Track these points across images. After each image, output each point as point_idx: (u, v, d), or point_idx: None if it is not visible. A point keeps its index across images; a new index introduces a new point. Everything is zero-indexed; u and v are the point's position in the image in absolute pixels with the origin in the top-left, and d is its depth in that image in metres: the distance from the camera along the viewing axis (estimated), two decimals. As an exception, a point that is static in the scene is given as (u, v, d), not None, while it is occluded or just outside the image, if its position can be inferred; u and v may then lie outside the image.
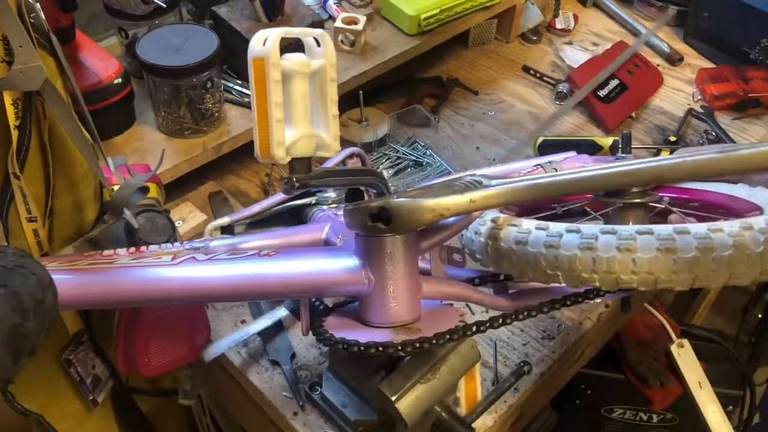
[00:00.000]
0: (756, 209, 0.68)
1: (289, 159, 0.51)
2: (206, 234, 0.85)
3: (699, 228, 0.57)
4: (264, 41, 0.48)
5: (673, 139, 1.22)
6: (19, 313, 0.46)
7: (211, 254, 0.62)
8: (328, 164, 0.94)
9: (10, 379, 0.46)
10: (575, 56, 1.42)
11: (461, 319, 0.62)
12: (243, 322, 0.91)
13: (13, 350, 0.45)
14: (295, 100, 0.51)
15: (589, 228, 0.58)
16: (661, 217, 0.80)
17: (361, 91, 1.17)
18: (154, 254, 0.64)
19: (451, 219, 0.61)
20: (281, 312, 0.89)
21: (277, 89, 0.49)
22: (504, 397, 0.83)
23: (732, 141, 1.23)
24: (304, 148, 0.51)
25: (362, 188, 0.63)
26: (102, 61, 0.98)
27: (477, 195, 0.55)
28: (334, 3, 1.24)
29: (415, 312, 0.62)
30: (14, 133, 0.62)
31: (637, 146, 1.20)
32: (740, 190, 0.74)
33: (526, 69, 1.38)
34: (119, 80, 0.98)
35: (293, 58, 0.50)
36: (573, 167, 0.83)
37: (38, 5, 0.67)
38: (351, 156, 0.93)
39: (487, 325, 0.62)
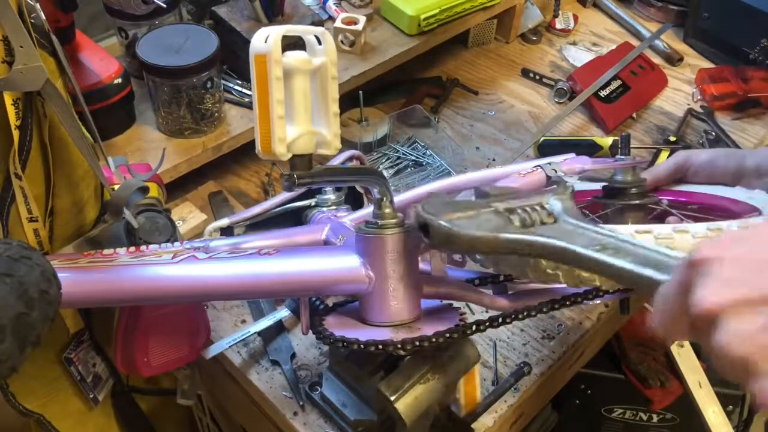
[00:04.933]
0: (754, 211, 0.68)
1: (290, 156, 0.51)
2: (206, 235, 0.85)
3: (698, 228, 0.57)
4: (266, 39, 0.48)
5: (672, 139, 1.22)
6: (24, 302, 0.46)
7: (212, 253, 0.62)
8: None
9: (15, 367, 0.47)
10: (579, 56, 1.42)
11: (461, 319, 0.63)
12: (243, 322, 0.91)
13: (19, 338, 0.46)
14: (296, 98, 0.51)
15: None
16: (660, 219, 0.80)
17: (361, 91, 1.17)
18: (154, 253, 0.64)
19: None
20: (281, 312, 0.89)
21: (278, 86, 0.49)
22: (504, 397, 0.83)
23: (732, 141, 1.23)
24: (304, 145, 0.51)
25: (361, 189, 0.63)
26: (102, 61, 0.98)
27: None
28: (334, 3, 1.24)
29: (415, 311, 0.62)
30: (15, 134, 0.63)
31: (637, 146, 1.20)
32: (738, 193, 0.74)
33: (525, 72, 1.38)
34: (119, 80, 0.98)
35: (295, 56, 0.50)
36: (573, 169, 0.83)
37: (38, 5, 0.67)
38: (350, 158, 0.93)
39: (487, 324, 0.62)
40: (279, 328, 0.89)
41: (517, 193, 0.57)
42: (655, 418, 1.31)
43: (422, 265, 0.65)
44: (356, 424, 0.73)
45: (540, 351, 0.89)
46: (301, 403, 0.81)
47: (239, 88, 1.11)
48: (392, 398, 0.61)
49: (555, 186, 0.57)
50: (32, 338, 0.48)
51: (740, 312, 0.36)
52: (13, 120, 0.62)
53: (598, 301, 0.93)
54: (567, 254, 0.49)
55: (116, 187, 0.74)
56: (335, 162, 0.91)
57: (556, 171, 0.79)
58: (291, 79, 0.50)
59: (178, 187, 1.06)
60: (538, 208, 0.54)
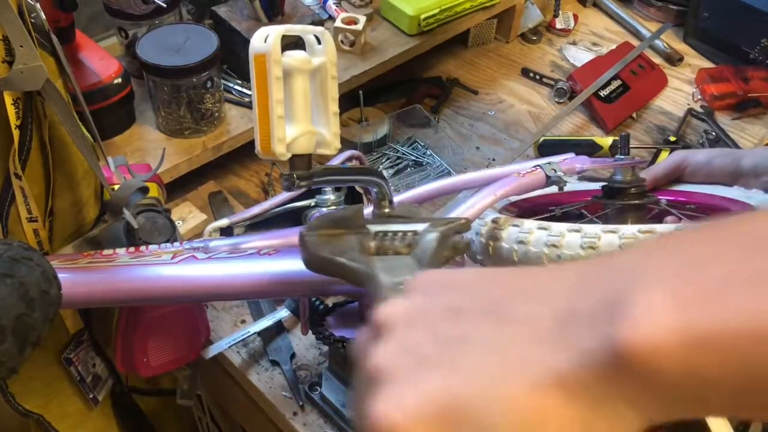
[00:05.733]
0: (753, 210, 0.68)
1: (289, 155, 0.51)
2: (205, 235, 0.85)
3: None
4: (265, 38, 0.48)
5: (672, 139, 1.22)
6: (25, 303, 0.47)
7: (211, 253, 0.62)
8: (328, 164, 0.94)
9: (15, 368, 0.47)
10: (579, 56, 1.42)
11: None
12: (243, 322, 0.91)
13: (19, 339, 0.46)
14: (296, 97, 0.51)
15: (591, 228, 0.58)
16: (659, 219, 0.80)
17: (361, 91, 1.17)
18: (154, 253, 0.64)
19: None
20: (281, 312, 0.89)
21: (278, 86, 0.49)
22: (504, 397, 0.83)
23: (732, 141, 1.23)
24: (304, 145, 0.51)
25: (361, 189, 0.63)
26: (102, 61, 0.98)
27: None
28: (334, 3, 1.24)
29: (416, 311, 0.62)
30: (15, 133, 0.62)
31: (637, 146, 1.20)
32: (736, 193, 0.74)
33: (525, 72, 1.38)
34: (119, 80, 0.98)
35: (294, 56, 0.50)
36: (572, 168, 0.83)
37: (38, 5, 0.67)
38: (350, 158, 0.93)
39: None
40: (279, 328, 0.89)
41: (412, 219, 0.53)
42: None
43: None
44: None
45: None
46: (300, 403, 0.81)
47: (239, 88, 1.11)
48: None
49: (454, 220, 0.52)
50: (32, 339, 0.48)
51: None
52: (13, 120, 0.62)
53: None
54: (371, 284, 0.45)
55: (116, 187, 0.74)
56: (335, 162, 0.91)
57: (555, 171, 0.79)
58: (291, 79, 0.50)
59: (178, 187, 1.06)
60: (408, 235, 0.50)
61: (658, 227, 0.58)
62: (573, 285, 0.28)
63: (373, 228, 0.51)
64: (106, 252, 0.66)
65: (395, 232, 0.50)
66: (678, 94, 1.35)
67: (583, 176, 0.85)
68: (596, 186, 0.85)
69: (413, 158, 1.16)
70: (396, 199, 0.71)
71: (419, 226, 0.50)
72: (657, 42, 1.43)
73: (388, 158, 1.16)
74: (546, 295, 0.28)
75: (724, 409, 0.25)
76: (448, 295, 0.31)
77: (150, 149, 1.02)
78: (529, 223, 0.62)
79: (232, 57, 1.10)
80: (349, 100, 1.19)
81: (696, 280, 0.24)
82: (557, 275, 0.29)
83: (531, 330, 0.27)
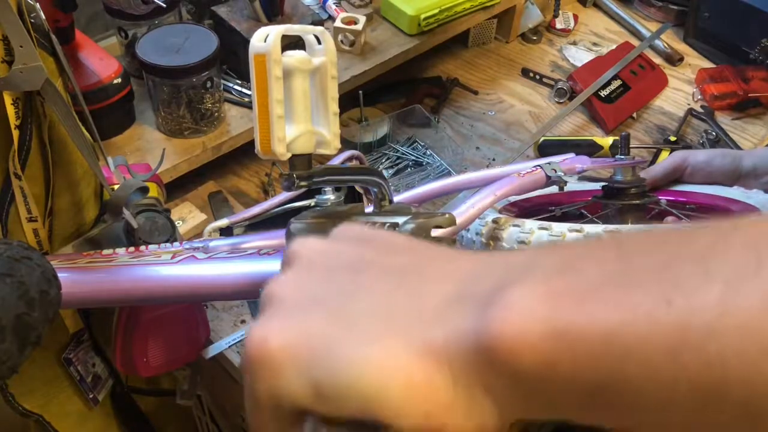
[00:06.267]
0: (753, 210, 0.68)
1: (289, 155, 0.51)
2: (205, 235, 0.85)
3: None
4: (265, 38, 0.48)
5: (673, 139, 1.22)
6: (25, 302, 0.46)
7: (211, 253, 0.61)
8: (328, 164, 0.94)
9: (15, 368, 0.47)
10: (579, 56, 1.42)
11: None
12: (243, 322, 0.91)
13: (19, 339, 0.46)
14: (296, 97, 0.51)
15: (592, 227, 0.58)
16: (659, 219, 0.80)
17: (361, 91, 1.17)
18: (153, 253, 0.64)
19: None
20: (281, 312, 0.88)
21: (278, 86, 0.49)
22: (504, 397, 0.83)
23: (732, 141, 1.23)
24: (304, 145, 0.51)
25: (361, 189, 0.63)
26: (102, 61, 0.98)
27: None
28: (334, 3, 1.24)
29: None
30: (15, 133, 0.62)
31: (637, 146, 1.20)
32: (736, 193, 0.74)
33: (525, 72, 1.38)
34: (119, 80, 0.98)
35: (294, 55, 0.50)
36: (572, 168, 0.83)
37: (38, 5, 0.67)
38: (350, 158, 0.93)
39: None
40: (279, 328, 0.89)
41: (398, 213, 0.54)
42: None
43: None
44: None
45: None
46: (301, 403, 0.81)
47: (239, 88, 1.11)
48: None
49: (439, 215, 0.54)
50: (32, 339, 0.48)
51: None
52: (12, 120, 0.62)
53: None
54: None
55: (116, 187, 0.74)
56: (335, 162, 0.91)
57: (555, 171, 0.79)
58: (290, 79, 0.50)
59: (178, 187, 1.06)
60: (387, 226, 0.51)
61: (659, 226, 0.57)
62: (472, 271, 0.28)
63: (357, 219, 0.51)
64: (106, 252, 0.66)
65: (374, 222, 0.51)
66: (678, 94, 1.35)
67: (583, 176, 0.85)
68: (596, 186, 0.85)
69: (413, 158, 1.16)
70: (396, 199, 0.71)
71: (401, 219, 0.51)
72: (657, 42, 1.43)
73: (388, 158, 1.16)
74: (448, 275, 0.29)
75: (578, 412, 0.25)
76: (362, 248, 0.32)
77: (150, 149, 1.02)
78: (530, 223, 0.62)
79: (232, 57, 1.10)
80: (349, 100, 1.19)
81: (570, 278, 0.25)
82: (465, 260, 0.30)
83: (422, 302, 0.28)
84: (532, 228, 0.61)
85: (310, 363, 0.27)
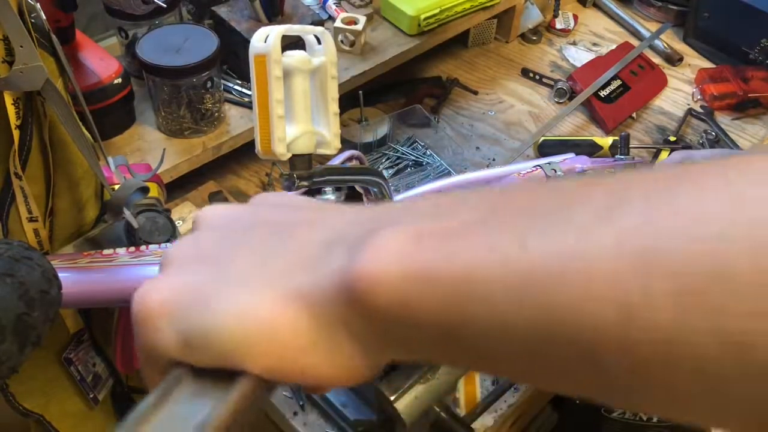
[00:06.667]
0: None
1: (289, 155, 0.51)
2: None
3: None
4: (265, 38, 0.48)
5: (672, 139, 1.22)
6: (25, 302, 0.47)
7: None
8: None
9: (15, 367, 0.47)
10: (579, 56, 1.42)
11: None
12: (243, 321, 0.91)
13: (19, 339, 0.46)
14: (296, 98, 0.51)
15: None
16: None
17: (361, 91, 1.17)
18: (154, 253, 0.64)
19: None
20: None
21: (278, 86, 0.49)
22: (504, 397, 0.83)
23: (732, 141, 1.23)
24: (304, 145, 0.51)
25: (361, 189, 0.63)
26: (102, 61, 0.98)
27: None
28: (334, 3, 1.24)
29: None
30: (16, 133, 0.62)
31: (637, 146, 1.20)
32: None
33: (525, 72, 1.38)
34: (119, 80, 0.98)
35: (294, 56, 0.50)
36: (572, 168, 0.83)
37: (38, 5, 0.67)
38: (350, 158, 0.93)
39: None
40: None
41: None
42: (654, 418, 1.31)
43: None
44: (356, 424, 0.73)
45: (540, 351, 0.89)
46: (301, 403, 0.81)
47: (239, 88, 1.11)
48: (392, 398, 0.61)
49: None
50: (33, 338, 0.48)
51: None
52: (13, 120, 0.62)
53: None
54: None
55: (116, 187, 0.74)
56: (335, 162, 0.91)
57: (555, 171, 0.79)
58: (291, 79, 0.50)
59: (178, 187, 1.06)
60: None
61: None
62: (349, 220, 0.29)
63: None
64: (106, 252, 0.66)
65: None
66: (678, 94, 1.35)
67: (583, 176, 0.85)
68: None
69: (413, 158, 1.16)
70: (396, 199, 0.71)
71: None
72: (657, 42, 1.43)
73: (388, 158, 1.16)
74: (332, 225, 0.29)
75: (433, 353, 0.26)
76: (264, 209, 0.34)
77: (150, 149, 1.02)
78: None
79: (232, 57, 1.10)
80: (349, 100, 1.19)
81: (439, 222, 0.25)
82: (345, 212, 0.30)
83: (301, 252, 0.28)
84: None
85: (182, 316, 0.28)
